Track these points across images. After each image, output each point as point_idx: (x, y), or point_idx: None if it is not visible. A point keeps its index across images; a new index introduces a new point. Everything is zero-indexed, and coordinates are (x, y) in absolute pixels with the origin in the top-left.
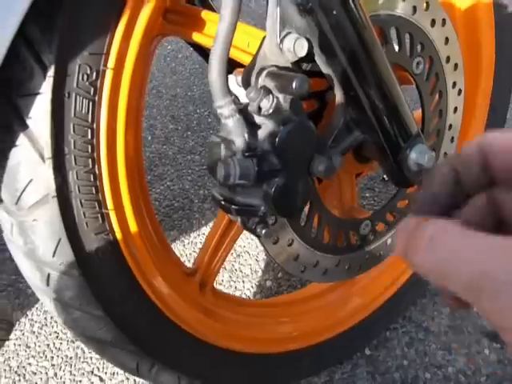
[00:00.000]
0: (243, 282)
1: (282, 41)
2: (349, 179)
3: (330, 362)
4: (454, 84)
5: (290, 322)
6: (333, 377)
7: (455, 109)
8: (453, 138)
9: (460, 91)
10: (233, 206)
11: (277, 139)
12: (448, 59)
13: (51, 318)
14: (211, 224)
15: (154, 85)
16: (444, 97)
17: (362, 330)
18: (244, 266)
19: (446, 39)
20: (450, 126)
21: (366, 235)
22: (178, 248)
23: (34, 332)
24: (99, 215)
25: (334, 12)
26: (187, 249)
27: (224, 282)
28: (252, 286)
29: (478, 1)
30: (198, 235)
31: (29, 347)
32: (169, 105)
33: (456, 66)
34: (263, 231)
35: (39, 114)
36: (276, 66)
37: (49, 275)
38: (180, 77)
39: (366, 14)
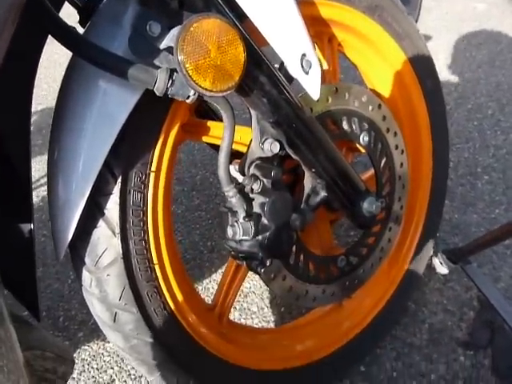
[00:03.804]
0: (252, 318)
1: (262, 143)
2: (325, 225)
3: (329, 376)
4: (397, 146)
5: (292, 344)
6: None
7: (401, 164)
8: (403, 185)
9: (402, 151)
10: (239, 254)
11: (265, 207)
12: (388, 130)
13: (88, 364)
14: (220, 271)
15: None
16: (390, 157)
17: (354, 348)
18: (251, 304)
19: (384, 117)
20: (400, 177)
21: (342, 267)
22: None
23: (73, 378)
24: (149, 268)
25: (294, 125)
26: (201, 294)
27: (235, 319)
28: (260, 321)
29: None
30: (210, 281)
31: None
32: (174, 169)
33: (395, 133)
34: (263, 270)
35: (112, 205)
36: (261, 158)
37: (116, 314)
38: (183, 143)
39: (315, 120)
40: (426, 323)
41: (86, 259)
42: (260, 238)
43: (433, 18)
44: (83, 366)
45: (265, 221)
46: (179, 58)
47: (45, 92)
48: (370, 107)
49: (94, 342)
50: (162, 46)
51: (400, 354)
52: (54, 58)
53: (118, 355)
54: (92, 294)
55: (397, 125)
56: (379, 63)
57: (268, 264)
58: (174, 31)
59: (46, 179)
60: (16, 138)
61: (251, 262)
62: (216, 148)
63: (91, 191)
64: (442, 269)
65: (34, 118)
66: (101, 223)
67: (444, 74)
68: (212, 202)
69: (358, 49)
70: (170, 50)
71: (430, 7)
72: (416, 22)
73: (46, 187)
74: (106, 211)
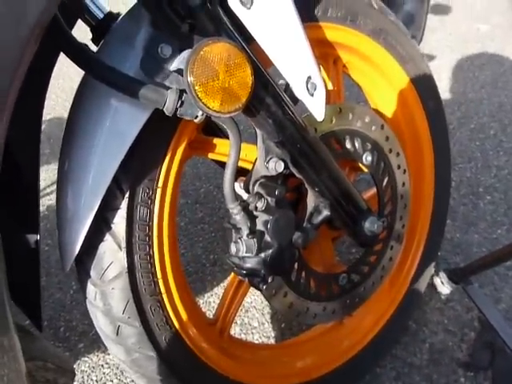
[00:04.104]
0: (252, 333)
1: (267, 162)
2: (327, 243)
3: None
4: (399, 166)
5: (292, 361)
6: None
7: (403, 183)
8: (405, 204)
9: (405, 171)
10: (242, 271)
11: (268, 225)
12: (390, 150)
13: (87, 376)
14: (222, 284)
15: None
16: (392, 176)
17: (354, 367)
18: (252, 319)
19: (387, 137)
20: (402, 196)
21: (344, 285)
22: None
23: None
24: (152, 283)
25: (298, 145)
26: (202, 308)
27: (236, 334)
28: (260, 337)
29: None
30: (211, 295)
31: None
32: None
33: (398, 154)
34: (264, 287)
35: (119, 220)
36: (265, 177)
37: (119, 327)
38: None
39: (319, 140)
40: (426, 343)
41: (92, 272)
42: (263, 255)
43: (437, 38)
44: (82, 377)
45: (268, 238)
46: (189, 79)
47: (53, 102)
48: (373, 127)
49: (94, 354)
50: (173, 67)
51: (400, 374)
52: (63, 71)
53: (117, 368)
54: (96, 307)
55: (399, 145)
56: (383, 84)
57: (270, 280)
58: (185, 54)
59: (51, 188)
60: (26, 147)
61: (253, 278)
62: (222, 165)
63: (99, 205)
64: (443, 288)
65: (42, 128)
66: (107, 237)
67: (447, 93)
68: (215, 215)
69: (363, 70)
70: (180, 71)
71: (434, 28)
72: (420, 42)
73: (51, 196)
74: (112, 225)
